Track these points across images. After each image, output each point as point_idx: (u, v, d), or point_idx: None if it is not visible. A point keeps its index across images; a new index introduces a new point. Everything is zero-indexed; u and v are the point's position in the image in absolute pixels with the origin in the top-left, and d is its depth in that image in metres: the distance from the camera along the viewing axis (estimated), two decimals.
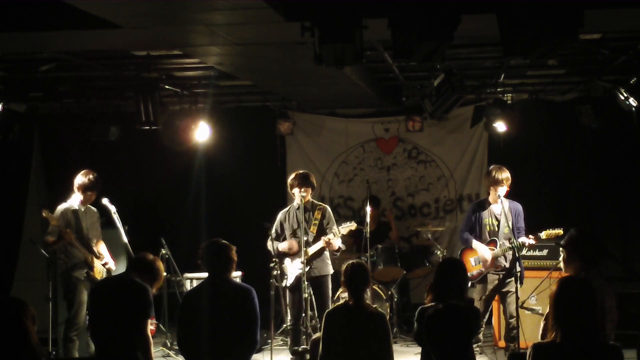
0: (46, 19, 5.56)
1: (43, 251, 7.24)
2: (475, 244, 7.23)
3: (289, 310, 7.42)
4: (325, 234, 7.20)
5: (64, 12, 5.15)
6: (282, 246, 7.23)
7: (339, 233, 7.18)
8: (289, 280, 7.21)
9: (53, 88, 8.85)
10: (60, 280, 7.06)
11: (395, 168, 10.15)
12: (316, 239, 7.17)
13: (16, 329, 3.88)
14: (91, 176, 7.09)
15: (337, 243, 7.18)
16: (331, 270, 7.33)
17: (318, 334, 6.53)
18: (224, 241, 5.29)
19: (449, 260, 5.33)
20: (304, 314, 7.10)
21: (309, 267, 7.02)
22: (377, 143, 10.14)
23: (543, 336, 4.21)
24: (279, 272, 7.17)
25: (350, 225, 7.33)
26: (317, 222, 7.22)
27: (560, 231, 6.67)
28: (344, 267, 5.16)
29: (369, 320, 4.93)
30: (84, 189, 7.07)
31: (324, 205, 7.41)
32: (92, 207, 7.27)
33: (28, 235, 9.00)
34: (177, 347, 6.89)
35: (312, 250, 7.09)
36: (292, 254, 7.22)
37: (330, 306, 7.31)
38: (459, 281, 4.83)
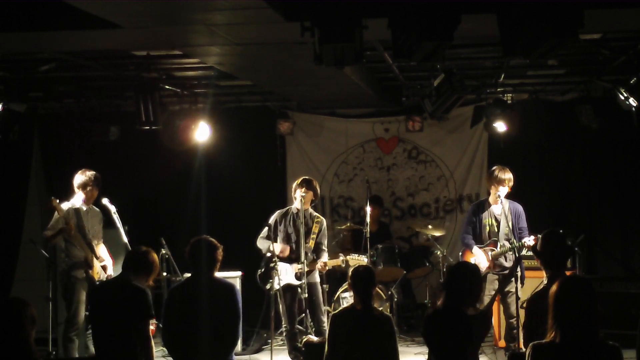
0: (46, 19, 5.55)
1: (43, 251, 7.24)
2: (476, 250, 7.23)
3: (282, 315, 7.36)
4: (319, 248, 7.17)
5: (64, 12, 5.15)
6: (277, 248, 7.11)
7: (345, 261, 7.15)
8: (275, 285, 7.12)
9: (53, 88, 8.85)
10: (59, 279, 7.06)
11: (395, 168, 10.14)
12: (313, 252, 7.18)
13: (13, 330, 3.87)
14: (89, 173, 7.10)
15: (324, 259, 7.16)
16: (318, 279, 7.33)
17: (311, 337, 6.55)
18: (211, 239, 5.31)
19: (460, 265, 5.28)
20: (303, 315, 7.11)
21: (301, 274, 7.00)
22: (377, 143, 10.14)
23: (525, 345, 4.19)
24: (275, 271, 7.11)
25: (360, 260, 7.30)
26: (314, 236, 7.19)
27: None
28: (350, 271, 5.17)
29: (375, 323, 4.94)
30: (83, 185, 7.07)
31: (321, 218, 7.38)
32: (95, 208, 7.26)
33: (28, 235, 8.99)
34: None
35: (307, 268, 7.04)
36: (282, 257, 7.17)
37: (328, 308, 7.33)
38: (470, 286, 4.66)
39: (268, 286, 7.13)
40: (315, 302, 7.12)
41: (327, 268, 7.10)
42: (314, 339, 6.16)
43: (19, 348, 3.87)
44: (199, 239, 5.34)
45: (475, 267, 4.92)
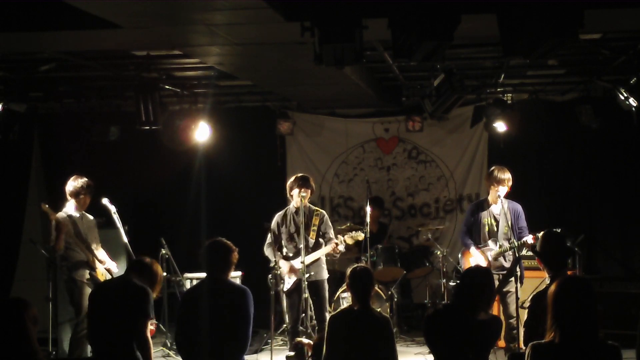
0: (46, 19, 5.56)
1: (43, 251, 7.23)
2: (473, 250, 7.22)
3: (286, 314, 7.36)
4: (324, 239, 7.18)
5: (64, 12, 5.15)
6: (283, 269, 7.13)
7: (344, 242, 7.14)
8: (286, 285, 7.17)
9: (53, 88, 8.85)
10: (65, 286, 7.02)
11: (395, 168, 10.15)
12: (315, 245, 7.16)
13: (17, 330, 3.87)
14: (80, 180, 7.07)
15: (340, 247, 7.19)
16: (327, 275, 7.31)
17: (302, 339, 6.53)
18: (226, 242, 5.28)
19: (473, 269, 5.24)
20: (303, 314, 7.11)
21: (307, 273, 7.01)
22: (377, 143, 10.15)
23: (525, 343, 4.19)
24: (278, 273, 7.15)
25: (357, 235, 7.27)
26: (315, 227, 7.17)
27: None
28: (348, 271, 5.15)
29: (374, 324, 4.92)
30: (75, 194, 7.05)
31: (321, 210, 7.36)
32: (88, 215, 7.25)
33: (28, 235, 9.00)
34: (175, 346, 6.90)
35: (313, 257, 7.04)
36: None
37: (328, 308, 7.33)
38: (482, 291, 4.58)
39: (280, 287, 7.17)
40: (320, 301, 7.14)
41: (338, 249, 7.10)
42: (305, 341, 6.16)
43: (23, 348, 3.87)
44: (215, 240, 5.29)
45: (488, 272, 4.85)
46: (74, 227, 6.97)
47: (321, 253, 7.12)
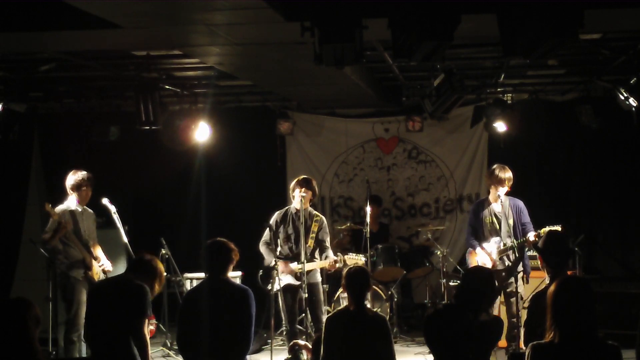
0: (46, 19, 5.56)
1: (43, 251, 7.23)
2: (479, 251, 7.20)
3: (283, 315, 7.32)
4: (320, 246, 7.18)
5: (64, 12, 5.16)
6: (280, 267, 7.01)
7: (342, 261, 7.12)
8: (276, 286, 7.09)
9: (53, 88, 8.86)
10: (59, 281, 7.04)
11: (395, 168, 10.15)
12: (312, 251, 7.14)
13: (18, 330, 3.86)
14: (80, 173, 7.07)
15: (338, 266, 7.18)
16: (320, 278, 7.31)
17: (298, 341, 6.51)
18: (226, 242, 5.28)
19: (475, 269, 5.23)
20: (303, 314, 7.09)
21: (301, 274, 6.99)
22: (377, 143, 10.15)
23: (526, 343, 4.18)
24: (276, 272, 7.09)
25: (358, 259, 7.23)
26: (314, 235, 7.13)
27: (558, 227, 6.65)
28: (344, 271, 5.16)
29: (370, 324, 4.92)
30: (77, 187, 7.05)
31: (320, 216, 7.30)
32: (89, 209, 7.25)
33: (28, 235, 8.99)
34: (177, 347, 6.89)
35: (310, 267, 7.01)
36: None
37: (323, 310, 7.32)
38: (484, 292, 4.57)
39: (269, 287, 7.12)
40: (315, 302, 7.11)
41: (336, 266, 7.07)
42: (302, 343, 6.15)
43: (23, 349, 3.86)
44: (215, 240, 5.29)
45: (490, 273, 4.85)
46: (74, 222, 6.97)
47: (318, 265, 7.11)
